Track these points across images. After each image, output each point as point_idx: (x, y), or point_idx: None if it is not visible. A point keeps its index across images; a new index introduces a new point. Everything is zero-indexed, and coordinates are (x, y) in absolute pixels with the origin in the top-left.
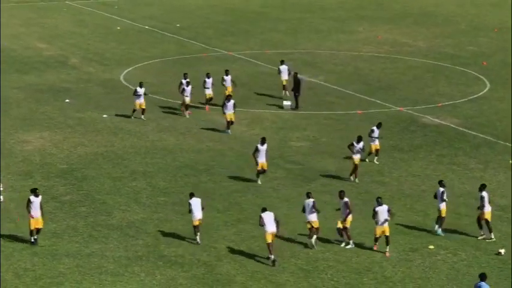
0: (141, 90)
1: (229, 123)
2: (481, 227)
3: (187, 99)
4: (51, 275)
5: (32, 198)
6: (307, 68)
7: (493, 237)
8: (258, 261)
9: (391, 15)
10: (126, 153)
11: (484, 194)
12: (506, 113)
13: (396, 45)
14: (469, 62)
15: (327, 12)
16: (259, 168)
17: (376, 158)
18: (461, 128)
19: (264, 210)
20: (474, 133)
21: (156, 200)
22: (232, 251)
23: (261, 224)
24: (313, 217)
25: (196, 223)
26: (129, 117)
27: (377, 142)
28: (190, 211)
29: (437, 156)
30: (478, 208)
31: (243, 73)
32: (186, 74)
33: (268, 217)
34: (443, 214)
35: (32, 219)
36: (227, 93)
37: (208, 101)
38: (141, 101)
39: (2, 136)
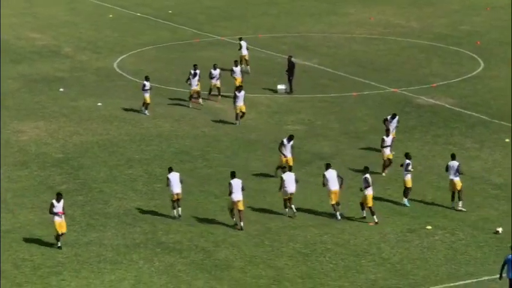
0: (148, 84)
1: (239, 115)
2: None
3: (194, 89)
4: (50, 264)
5: (55, 202)
6: (300, 51)
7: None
8: (256, 245)
9: None
10: (122, 141)
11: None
12: (501, 92)
13: (389, 26)
14: (463, 42)
15: None
16: (283, 163)
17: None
18: (456, 108)
19: (233, 176)
20: (469, 112)
21: (153, 187)
22: (230, 236)
23: (231, 191)
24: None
25: (174, 197)
26: (135, 110)
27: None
28: (168, 185)
29: (433, 137)
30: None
31: (236, 58)
32: (196, 65)
33: (237, 185)
34: (409, 185)
35: (56, 223)
36: (237, 84)
37: (212, 92)
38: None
39: None
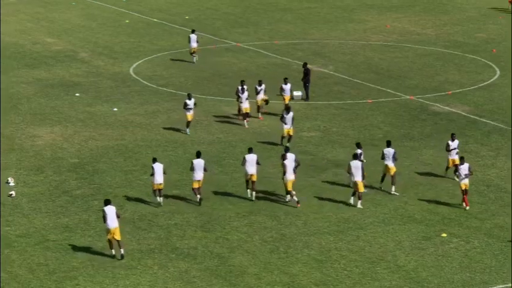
0: (191, 102)
1: (287, 137)
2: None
3: (244, 107)
4: (65, 269)
5: (106, 209)
6: (316, 58)
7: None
8: (271, 252)
9: (399, 4)
10: (137, 146)
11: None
12: None
13: (405, 33)
14: (479, 49)
15: (335, 2)
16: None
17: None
18: (471, 116)
19: (198, 155)
20: (485, 120)
21: (168, 193)
22: (245, 242)
23: (192, 168)
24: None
25: (155, 187)
26: (151, 115)
27: (455, 155)
28: (152, 175)
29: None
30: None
31: (253, 64)
32: (243, 81)
33: (198, 164)
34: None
35: (109, 230)
36: (285, 103)
37: (261, 108)
38: (191, 113)
39: (12, 132)
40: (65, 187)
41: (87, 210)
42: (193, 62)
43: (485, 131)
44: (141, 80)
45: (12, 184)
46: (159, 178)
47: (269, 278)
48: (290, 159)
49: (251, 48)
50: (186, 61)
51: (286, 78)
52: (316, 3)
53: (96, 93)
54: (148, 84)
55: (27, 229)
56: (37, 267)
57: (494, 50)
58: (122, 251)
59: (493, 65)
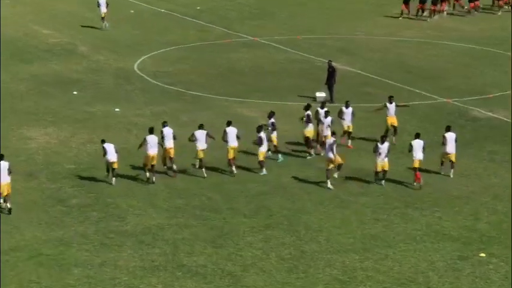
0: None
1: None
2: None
3: (348, 126)
4: (59, 287)
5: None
6: (341, 55)
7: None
8: (289, 271)
9: None
10: (141, 151)
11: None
12: None
13: (442, 29)
14: None
15: None
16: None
17: None
18: None
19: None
20: None
21: (175, 203)
22: (260, 259)
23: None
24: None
25: (111, 165)
26: (156, 116)
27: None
28: (104, 155)
29: (489, 153)
30: None
31: (271, 61)
32: (325, 102)
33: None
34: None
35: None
36: (345, 129)
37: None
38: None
39: (4, 133)
40: (60, 196)
41: (84, 222)
42: (105, 29)
43: None
44: (147, 77)
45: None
46: (112, 157)
47: None
48: (200, 133)
49: (269, 43)
50: (195, 57)
51: (348, 102)
52: None
53: (96, 91)
54: (155, 82)
55: (17, 242)
56: (28, 284)
57: None
58: (9, 205)
59: None
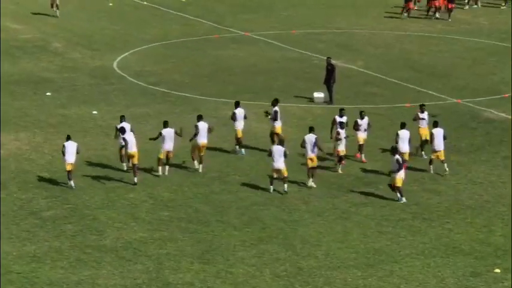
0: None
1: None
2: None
3: (362, 138)
4: None
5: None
6: (341, 52)
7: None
8: None
9: None
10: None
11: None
12: None
13: (452, 22)
14: None
15: None
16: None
17: None
18: None
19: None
20: None
21: (158, 215)
22: (253, 277)
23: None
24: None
25: (68, 167)
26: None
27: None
28: (64, 153)
29: (503, 159)
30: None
31: (264, 58)
32: (343, 109)
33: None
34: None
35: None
36: (361, 143)
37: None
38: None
39: None
40: (32, 207)
41: (59, 236)
42: (57, 16)
43: None
44: (127, 77)
45: None
46: (70, 157)
47: None
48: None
49: (262, 38)
50: (181, 54)
51: (362, 112)
52: None
53: (71, 92)
54: (136, 81)
55: None
56: None
57: None
58: None
59: None
